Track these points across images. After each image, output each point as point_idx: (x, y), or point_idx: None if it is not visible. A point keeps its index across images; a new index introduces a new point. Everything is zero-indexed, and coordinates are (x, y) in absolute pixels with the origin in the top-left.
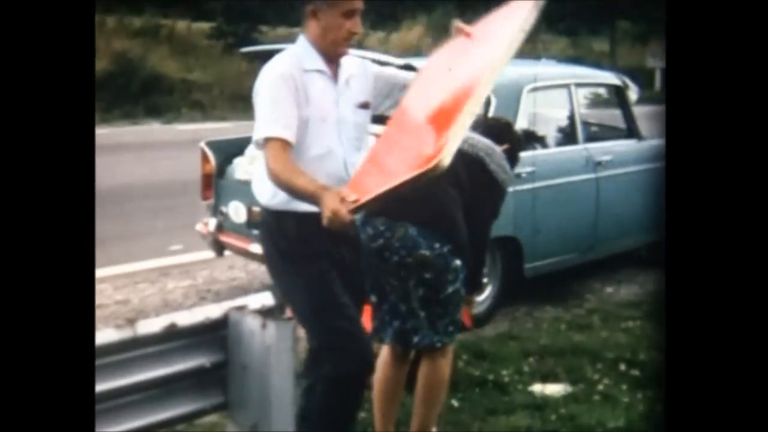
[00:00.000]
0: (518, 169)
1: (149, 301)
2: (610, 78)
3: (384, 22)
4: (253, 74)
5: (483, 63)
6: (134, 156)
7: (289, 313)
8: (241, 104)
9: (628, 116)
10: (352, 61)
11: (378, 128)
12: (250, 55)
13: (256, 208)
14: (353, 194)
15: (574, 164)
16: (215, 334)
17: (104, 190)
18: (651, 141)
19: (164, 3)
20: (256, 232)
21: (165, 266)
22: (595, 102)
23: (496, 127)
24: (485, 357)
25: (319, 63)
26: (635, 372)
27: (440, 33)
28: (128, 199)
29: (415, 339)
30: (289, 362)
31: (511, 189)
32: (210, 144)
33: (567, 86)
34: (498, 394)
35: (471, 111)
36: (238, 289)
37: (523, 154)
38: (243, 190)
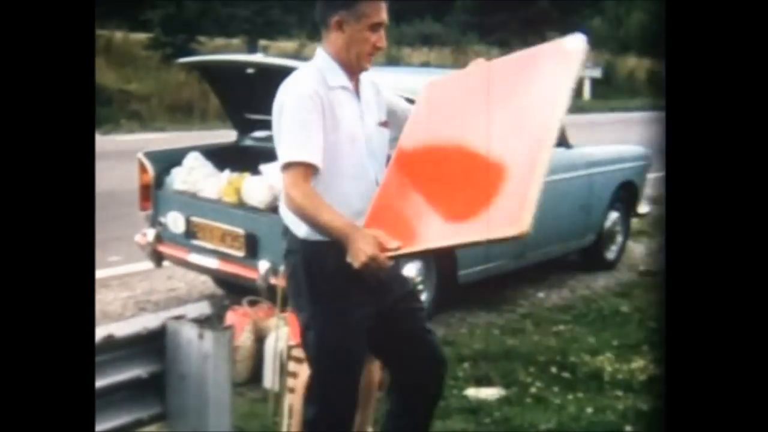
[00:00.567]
0: None
1: None
2: None
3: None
4: (191, 85)
5: (541, 110)
6: None
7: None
8: (180, 115)
9: None
10: (365, 78)
11: None
12: (187, 66)
13: (194, 218)
14: (395, 241)
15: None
16: (153, 344)
17: None
18: (579, 149)
19: (101, 13)
20: (194, 242)
21: (104, 277)
22: None
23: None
24: None
25: (342, 79)
26: (566, 374)
27: None
28: None
29: None
30: (226, 371)
31: None
32: (148, 155)
33: None
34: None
35: (544, 166)
36: (177, 300)
37: None
38: (181, 201)
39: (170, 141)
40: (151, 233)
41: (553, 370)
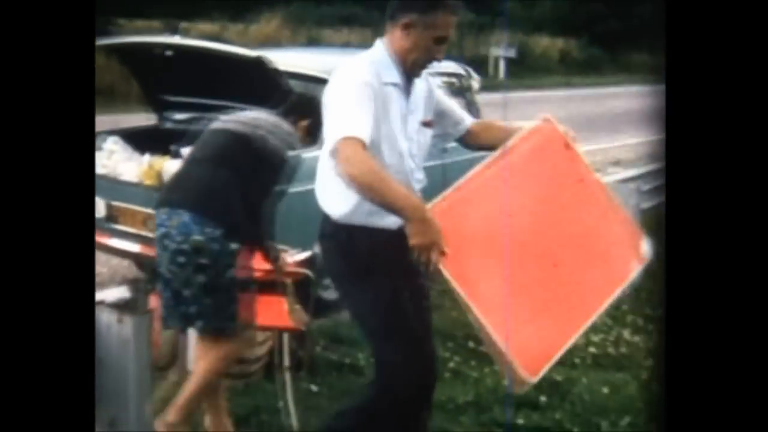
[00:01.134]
0: None
1: None
2: (454, 68)
3: (242, 14)
4: (112, 68)
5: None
6: None
7: (150, 305)
8: (101, 98)
9: (472, 104)
10: (422, 77)
11: None
12: (107, 49)
13: (115, 203)
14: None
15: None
16: None
17: None
18: None
19: None
20: (116, 226)
21: None
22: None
23: (300, 103)
24: (342, 341)
25: (395, 76)
26: (483, 348)
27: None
28: None
29: (199, 324)
30: (146, 356)
31: None
32: None
33: None
34: (354, 377)
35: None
36: (100, 285)
37: None
38: (102, 186)
39: None
40: None
41: (471, 344)
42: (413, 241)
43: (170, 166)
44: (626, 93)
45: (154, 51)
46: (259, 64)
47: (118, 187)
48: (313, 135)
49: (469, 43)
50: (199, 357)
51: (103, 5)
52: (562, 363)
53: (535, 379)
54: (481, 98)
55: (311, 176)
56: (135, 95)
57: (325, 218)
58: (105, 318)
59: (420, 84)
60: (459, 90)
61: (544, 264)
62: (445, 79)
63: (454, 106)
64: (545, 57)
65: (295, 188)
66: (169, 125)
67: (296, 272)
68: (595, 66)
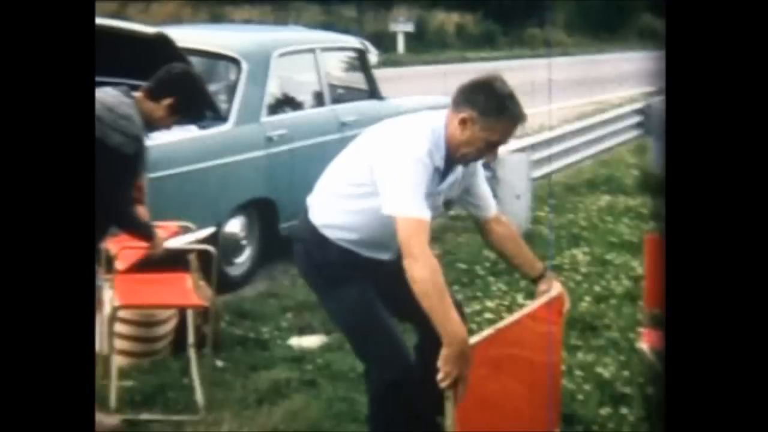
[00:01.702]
0: (270, 132)
1: None
2: (353, 42)
3: None
4: None
5: None
6: None
7: None
8: None
9: (369, 78)
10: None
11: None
12: None
13: None
14: None
15: (322, 125)
16: None
17: None
18: (391, 100)
19: None
20: None
21: None
22: (340, 65)
23: (167, 80)
24: (246, 316)
25: (440, 160)
26: None
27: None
28: None
29: None
30: None
31: (264, 152)
32: None
33: (313, 51)
34: (259, 351)
35: None
36: None
37: (274, 117)
38: None
39: None
40: None
41: None
42: (446, 368)
43: None
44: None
45: None
46: (159, 41)
47: None
48: (178, 113)
49: (369, 18)
50: None
51: None
52: None
53: None
54: (381, 73)
55: (214, 155)
56: None
57: (306, 219)
58: None
59: (458, 169)
60: (357, 65)
61: None
62: (343, 53)
63: (485, 191)
64: (442, 31)
65: (196, 166)
66: None
67: (197, 248)
68: (490, 40)
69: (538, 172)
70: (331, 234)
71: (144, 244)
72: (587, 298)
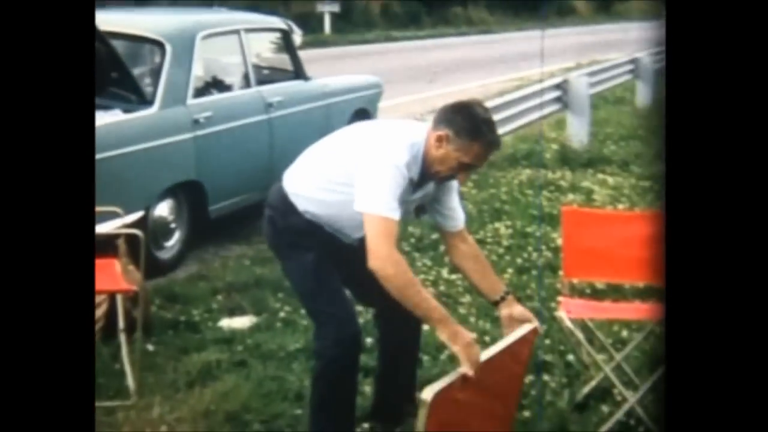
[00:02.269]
0: (197, 115)
1: None
2: (277, 23)
3: None
4: None
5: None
6: None
7: None
8: None
9: (295, 58)
10: None
11: None
12: None
13: None
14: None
15: (248, 107)
16: None
17: None
18: (317, 80)
19: None
20: None
21: None
22: (265, 46)
23: None
24: (177, 299)
25: (415, 173)
26: None
27: None
28: None
29: None
30: None
31: (191, 134)
32: None
33: (237, 32)
34: (190, 333)
35: None
36: None
37: (201, 100)
38: None
39: None
40: None
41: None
42: (453, 347)
43: None
44: (443, 45)
45: None
46: None
47: None
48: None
49: None
50: None
51: None
52: None
53: None
54: (308, 54)
55: (140, 139)
56: None
57: (279, 188)
58: None
59: (432, 183)
60: (282, 46)
61: None
62: (269, 34)
63: (455, 205)
64: (367, 11)
65: (123, 151)
66: None
67: (125, 233)
68: (415, 19)
69: None
70: (300, 205)
71: None
72: (510, 270)
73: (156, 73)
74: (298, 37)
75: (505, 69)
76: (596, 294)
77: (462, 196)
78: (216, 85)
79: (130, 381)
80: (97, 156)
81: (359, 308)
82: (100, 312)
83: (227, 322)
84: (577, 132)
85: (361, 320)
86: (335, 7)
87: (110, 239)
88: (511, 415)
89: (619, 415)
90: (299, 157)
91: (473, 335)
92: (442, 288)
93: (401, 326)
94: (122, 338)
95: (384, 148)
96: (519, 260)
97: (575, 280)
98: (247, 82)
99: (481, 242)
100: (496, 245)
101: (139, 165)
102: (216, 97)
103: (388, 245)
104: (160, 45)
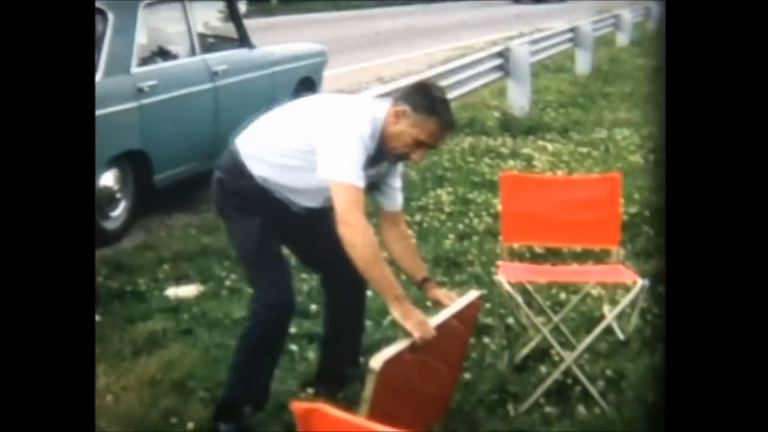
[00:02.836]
0: (141, 83)
1: None
2: None
3: None
4: None
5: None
6: None
7: None
8: None
9: (240, 27)
10: None
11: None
12: None
13: None
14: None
15: (193, 75)
16: None
17: None
18: (262, 49)
19: None
20: None
21: None
22: (210, 14)
23: None
24: (123, 269)
25: (372, 149)
26: None
27: None
28: None
29: None
30: None
31: (136, 103)
32: None
33: (182, 0)
34: (136, 303)
35: None
36: None
37: (145, 68)
38: None
39: None
40: None
41: None
42: (405, 324)
43: None
44: (388, 13)
45: None
46: None
47: None
48: None
49: None
50: None
51: None
52: None
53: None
54: (254, 23)
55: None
56: None
57: (231, 150)
58: None
59: (386, 162)
60: (227, 14)
61: None
62: (213, 3)
63: (397, 185)
64: None
65: None
66: None
67: None
68: None
69: None
70: (253, 168)
71: None
72: (451, 236)
73: (98, 42)
74: (243, 5)
75: (450, 38)
76: (535, 258)
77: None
78: (161, 53)
79: None
80: None
81: (307, 275)
82: None
83: (173, 291)
84: (518, 99)
85: (306, 287)
86: None
87: None
88: (456, 377)
89: (556, 374)
90: (254, 122)
91: None
92: (384, 254)
93: (347, 292)
94: None
95: (348, 119)
96: (460, 226)
97: (515, 245)
98: (192, 51)
99: (423, 209)
100: (438, 212)
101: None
102: (161, 65)
103: (358, 214)
104: (102, 13)
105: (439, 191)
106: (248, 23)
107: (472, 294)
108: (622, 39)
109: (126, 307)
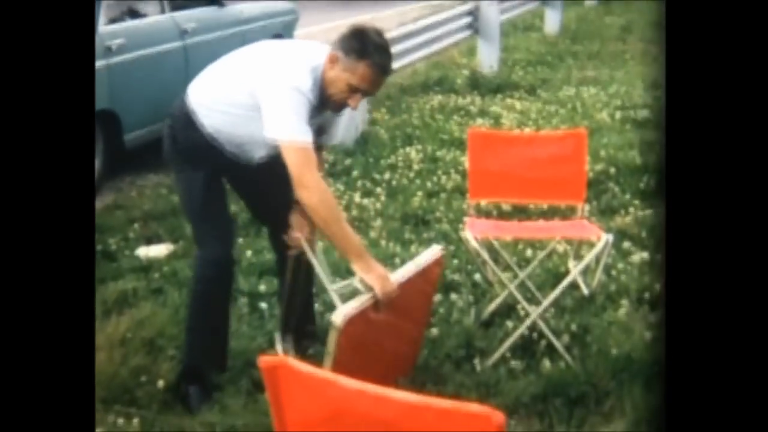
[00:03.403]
0: (109, 42)
1: None
2: None
3: None
4: None
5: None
6: None
7: None
8: None
9: None
10: None
11: None
12: None
13: None
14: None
15: (162, 34)
16: None
17: None
18: (231, 7)
19: None
20: None
21: None
22: None
23: None
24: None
25: (315, 99)
26: None
27: None
28: None
29: None
30: None
31: (104, 62)
32: None
33: None
34: (107, 263)
35: None
36: None
37: (113, 27)
38: None
39: None
40: None
41: None
42: (367, 279)
43: None
44: None
45: None
46: None
47: None
48: None
49: None
50: None
51: None
52: None
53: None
54: None
55: None
56: None
57: (183, 100)
58: None
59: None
60: None
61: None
62: None
63: (340, 125)
64: None
65: None
66: None
67: None
68: None
69: None
70: (203, 118)
71: None
72: (419, 194)
73: None
74: None
75: None
76: (502, 215)
77: (376, 122)
78: (129, 12)
79: None
80: None
81: None
82: None
83: (144, 251)
84: (487, 58)
85: None
86: None
87: None
88: (421, 333)
89: (522, 329)
90: (204, 70)
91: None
92: (354, 212)
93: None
94: None
95: (286, 72)
96: (429, 184)
97: (482, 202)
98: (161, 9)
99: (392, 167)
100: (406, 170)
101: None
102: (129, 24)
103: (312, 173)
104: None
105: (408, 149)
106: None
107: (435, 249)
108: None
109: (96, 267)
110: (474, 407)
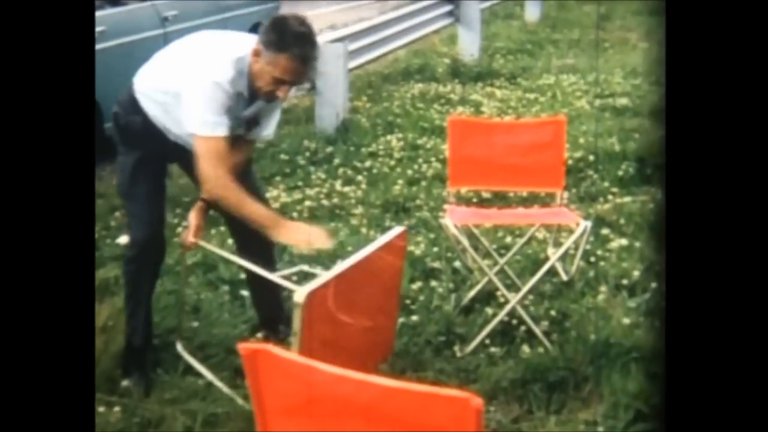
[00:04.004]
0: None
1: None
2: None
3: None
4: None
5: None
6: None
7: None
8: None
9: None
10: None
11: None
12: None
13: None
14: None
15: (143, 21)
16: None
17: None
18: None
19: None
20: None
21: None
22: None
23: None
24: None
25: (244, 88)
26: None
27: None
28: None
29: None
30: None
31: None
32: None
33: None
34: None
35: None
36: None
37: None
38: None
39: None
40: None
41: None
42: (292, 242)
43: None
44: None
45: None
46: None
47: None
48: None
49: None
50: None
51: None
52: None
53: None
54: None
55: None
56: None
57: (130, 86)
58: None
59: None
60: None
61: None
62: None
63: (275, 118)
64: None
65: None
66: None
67: None
68: None
69: (356, 62)
70: (143, 104)
71: None
72: (400, 182)
73: None
74: None
75: None
76: (482, 202)
77: (357, 110)
78: None
79: None
80: None
81: None
82: None
83: (125, 239)
84: (468, 46)
85: None
86: None
87: None
88: (395, 303)
89: (501, 315)
90: (153, 56)
91: None
92: (335, 200)
93: (250, 233)
94: None
95: (206, 65)
96: (410, 172)
97: (462, 189)
98: None
99: (373, 155)
100: (387, 157)
101: None
102: (109, 11)
103: (214, 166)
104: None
105: (389, 137)
106: None
107: (399, 228)
108: None
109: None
110: (453, 392)
